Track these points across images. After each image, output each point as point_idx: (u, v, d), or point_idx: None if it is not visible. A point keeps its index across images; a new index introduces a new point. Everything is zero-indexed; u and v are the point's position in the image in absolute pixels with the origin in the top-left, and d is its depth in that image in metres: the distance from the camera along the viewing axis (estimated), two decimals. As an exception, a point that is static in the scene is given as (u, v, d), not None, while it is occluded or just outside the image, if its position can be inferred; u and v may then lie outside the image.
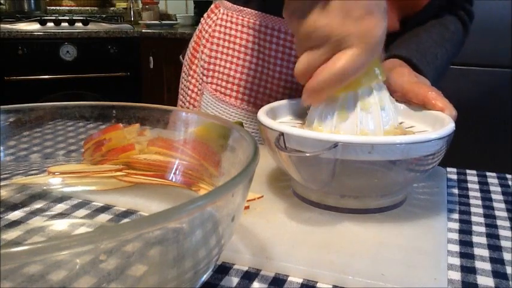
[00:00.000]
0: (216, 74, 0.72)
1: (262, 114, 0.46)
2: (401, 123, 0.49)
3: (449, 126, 0.43)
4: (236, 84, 0.71)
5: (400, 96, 0.53)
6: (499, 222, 0.45)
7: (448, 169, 0.58)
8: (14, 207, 0.43)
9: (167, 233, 0.25)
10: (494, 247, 0.40)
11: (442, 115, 0.47)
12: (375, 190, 0.44)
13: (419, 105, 0.51)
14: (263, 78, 0.70)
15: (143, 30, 2.37)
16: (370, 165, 0.40)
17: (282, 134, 0.41)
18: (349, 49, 0.40)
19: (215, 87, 0.72)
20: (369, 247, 0.38)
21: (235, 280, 0.35)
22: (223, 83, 0.72)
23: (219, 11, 0.73)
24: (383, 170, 0.41)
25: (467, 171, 0.59)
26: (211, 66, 0.73)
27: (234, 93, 0.71)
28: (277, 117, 0.51)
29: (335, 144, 0.38)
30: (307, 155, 0.39)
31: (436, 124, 0.47)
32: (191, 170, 0.43)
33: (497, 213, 0.47)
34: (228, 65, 0.71)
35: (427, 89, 0.51)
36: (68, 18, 2.26)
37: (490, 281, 0.36)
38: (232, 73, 0.71)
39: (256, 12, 0.68)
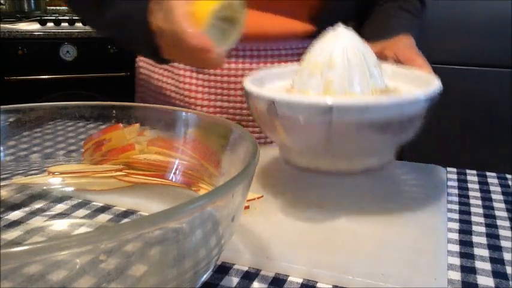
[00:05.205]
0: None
1: (248, 84, 0.45)
2: (388, 86, 0.49)
3: (436, 84, 0.43)
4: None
5: (383, 53, 0.55)
6: (499, 222, 0.45)
7: (448, 169, 0.58)
8: (14, 207, 0.43)
9: (167, 233, 0.25)
10: (494, 247, 0.40)
11: (427, 76, 0.47)
12: (366, 152, 0.44)
13: (402, 64, 0.52)
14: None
15: (143, 30, 2.36)
16: (363, 127, 0.40)
17: (273, 101, 0.40)
18: None
19: None
20: (369, 247, 0.38)
21: (235, 280, 0.35)
22: None
23: None
24: (375, 131, 0.41)
25: (467, 171, 0.59)
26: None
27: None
28: (265, 85, 0.50)
29: (330, 108, 0.37)
30: (302, 120, 0.38)
31: (423, 85, 0.46)
32: (191, 170, 0.43)
33: (497, 213, 0.47)
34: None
35: (405, 49, 0.54)
36: (68, 18, 2.26)
37: (490, 281, 0.36)
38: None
39: None
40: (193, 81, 0.69)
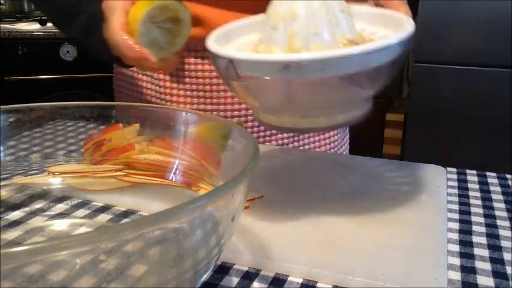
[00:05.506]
0: None
1: (211, 42, 0.42)
2: (361, 32, 0.46)
3: (407, 30, 0.40)
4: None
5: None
6: (499, 222, 0.45)
7: (448, 169, 0.58)
8: (14, 207, 0.43)
9: (167, 233, 0.25)
10: (494, 247, 0.40)
11: (402, 18, 0.44)
12: (331, 109, 0.42)
13: (381, 5, 0.50)
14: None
15: (143, 30, 2.36)
16: (327, 82, 0.38)
17: (231, 60, 0.38)
18: None
19: None
20: (369, 247, 0.38)
21: (235, 280, 0.35)
22: None
23: None
24: (337, 86, 0.39)
25: (467, 171, 0.59)
26: None
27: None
28: (231, 41, 0.48)
29: (286, 65, 0.35)
30: (260, 79, 0.37)
31: (397, 29, 0.43)
32: (191, 170, 0.43)
33: (497, 213, 0.47)
34: None
35: None
36: (68, 18, 2.26)
37: (490, 281, 0.36)
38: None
39: None
40: (174, 85, 0.68)
